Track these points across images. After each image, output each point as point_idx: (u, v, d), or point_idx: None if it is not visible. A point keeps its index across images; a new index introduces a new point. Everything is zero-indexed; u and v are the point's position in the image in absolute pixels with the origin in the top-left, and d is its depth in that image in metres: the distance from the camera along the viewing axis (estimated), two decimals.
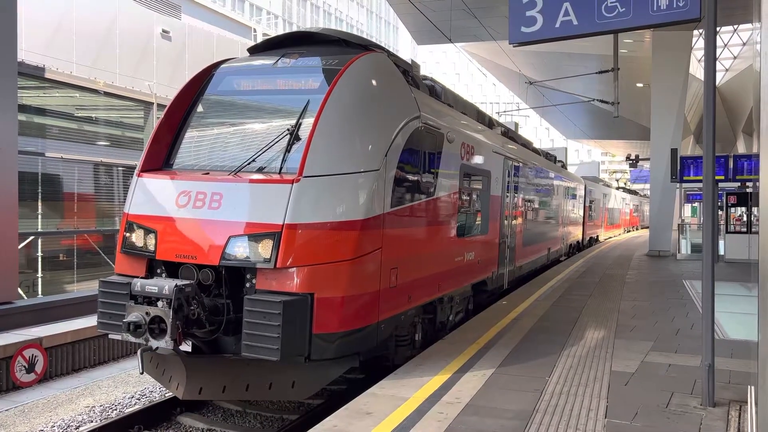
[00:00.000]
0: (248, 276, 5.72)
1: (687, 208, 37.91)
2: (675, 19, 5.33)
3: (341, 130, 6.07)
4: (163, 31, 19.94)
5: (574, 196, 21.44)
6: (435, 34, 20.99)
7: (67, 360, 9.66)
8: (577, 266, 17.10)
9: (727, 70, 36.73)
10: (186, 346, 6.33)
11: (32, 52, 15.05)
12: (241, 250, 5.59)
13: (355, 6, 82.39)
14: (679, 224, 22.76)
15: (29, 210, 15.18)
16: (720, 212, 20.81)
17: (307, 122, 6.14)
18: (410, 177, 6.84)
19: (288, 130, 6.17)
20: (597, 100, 25.87)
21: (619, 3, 5.49)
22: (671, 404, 5.22)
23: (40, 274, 15.68)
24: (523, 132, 24.25)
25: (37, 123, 16.31)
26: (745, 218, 24.40)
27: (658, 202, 22.10)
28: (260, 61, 7.06)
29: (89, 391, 8.46)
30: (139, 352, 5.71)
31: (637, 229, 50.60)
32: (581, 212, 23.88)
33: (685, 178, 18.81)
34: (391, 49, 11.64)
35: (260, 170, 6.07)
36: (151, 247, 5.96)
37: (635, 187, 60.60)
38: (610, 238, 35.17)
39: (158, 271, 6.05)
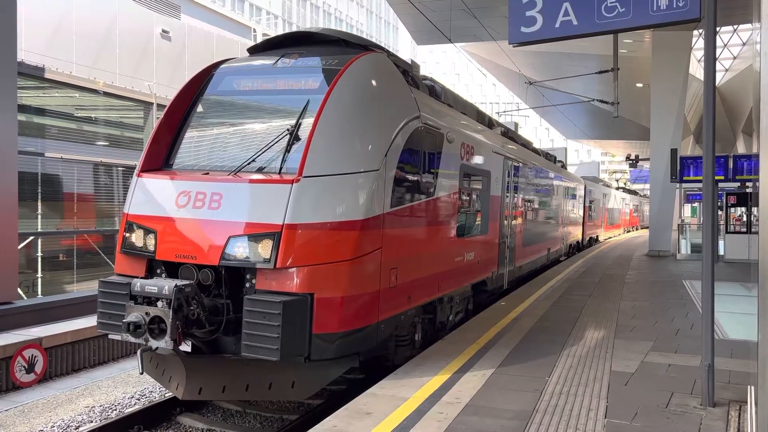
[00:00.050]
0: (248, 276, 5.72)
1: (687, 208, 37.87)
2: (675, 19, 5.34)
3: (341, 130, 6.07)
4: (163, 31, 19.92)
5: (573, 196, 21.44)
6: (435, 34, 20.98)
7: (66, 360, 9.65)
8: (576, 266, 17.10)
9: (727, 70, 36.74)
10: (186, 346, 6.32)
11: (32, 52, 15.03)
12: (240, 250, 5.59)
13: (355, 6, 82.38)
14: (678, 224, 22.77)
15: (29, 210, 15.17)
16: (720, 212, 20.80)
17: (307, 122, 6.13)
18: (410, 177, 6.84)
19: (288, 130, 6.17)
20: (597, 100, 25.87)
21: (618, 3, 5.50)
22: (671, 404, 5.22)
23: (39, 275, 15.66)
24: (523, 132, 24.24)
25: (37, 123, 16.30)
26: (744, 218, 24.37)
27: (657, 202, 22.11)
28: (260, 61, 7.06)
29: (89, 391, 8.46)
30: (138, 352, 5.73)
31: (636, 230, 50.61)
32: (581, 212, 23.88)
33: (684, 178, 18.83)
34: (391, 49, 11.63)
35: (260, 170, 6.07)
36: (151, 247, 5.96)
37: (635, 187, 60.61)
38: (610, 238, 35.17)
39: (158, 271, 6.05)
